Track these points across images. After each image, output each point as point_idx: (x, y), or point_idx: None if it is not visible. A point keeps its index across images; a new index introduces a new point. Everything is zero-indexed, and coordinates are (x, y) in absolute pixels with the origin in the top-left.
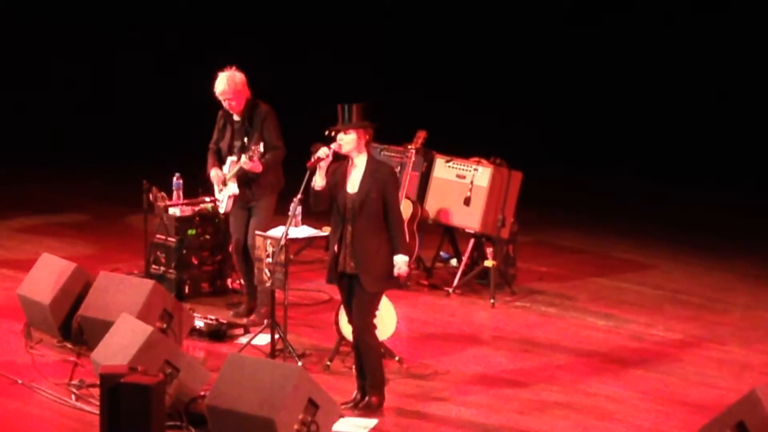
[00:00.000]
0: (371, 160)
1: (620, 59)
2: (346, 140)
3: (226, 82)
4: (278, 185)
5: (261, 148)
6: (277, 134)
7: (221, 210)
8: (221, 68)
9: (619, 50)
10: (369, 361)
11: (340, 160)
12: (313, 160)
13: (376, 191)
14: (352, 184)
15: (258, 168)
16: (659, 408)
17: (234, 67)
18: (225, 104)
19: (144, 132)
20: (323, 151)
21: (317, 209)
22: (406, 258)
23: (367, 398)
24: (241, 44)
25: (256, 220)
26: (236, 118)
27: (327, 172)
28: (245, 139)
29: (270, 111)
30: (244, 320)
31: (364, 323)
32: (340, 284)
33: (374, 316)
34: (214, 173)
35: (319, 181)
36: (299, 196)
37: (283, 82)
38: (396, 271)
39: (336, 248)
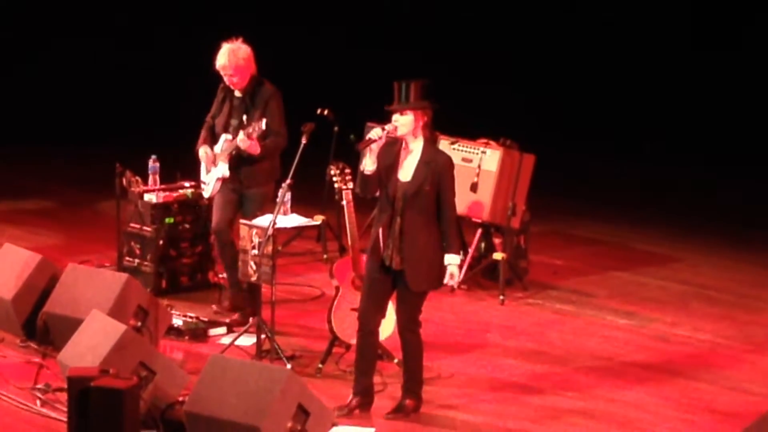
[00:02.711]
0: (428, 147)
1: (647, 34)
2: (402, 122)
3: (228, 56)
4: (274, 174)
5: (263, 125)
6: (280, 119)
7: (206, 194)
8: (225, 39)
9: (646, 26)
10: (411, 360)
11: (391, 141)
12: (364, 141)
13: (431, 183)
14: (405, 172)
15: (255, 149)
16: (685, 416)
17: (240, 39)
18: (225, 79)
19: (116, 108)
20: (376, 132)
21: (366, 195)
22: (458, 259)
23: (401, 400)
24: (227, 16)
25: (246, 211)
26: (237, 93)
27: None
28: (244, 118)
29: (276, 92)
30: (227, 319)
31: (410, 320)
32: (379, 276)
33: (420, 313)
34: (203, 152)
35: (369, 165)
36: (288, 181)
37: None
38: (447, 276)
39: (381, 237)
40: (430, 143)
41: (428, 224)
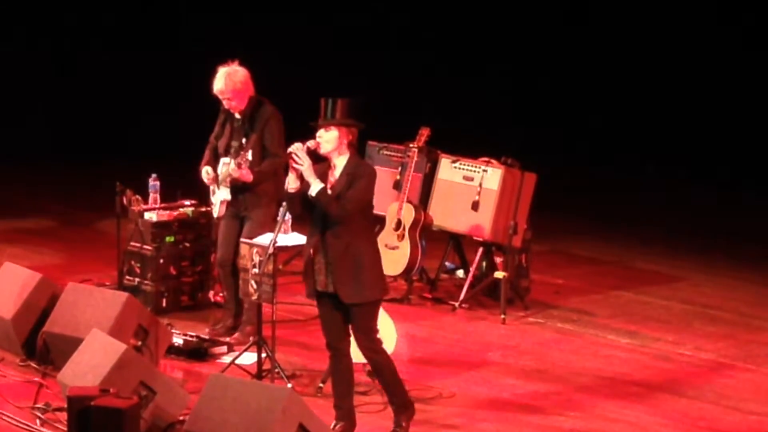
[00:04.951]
0: (352, 160)
1: (643, 49)
2: (326, 138)
3: (224, 80)
4: (276, 195)
5: (249, 156)
6: (278, 140)
7: (214, 214)
8: (222, 62)
9: (643, 41)
10: (385, 380)
11: (323, 162)
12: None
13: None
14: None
15: (248, 177)
16: None
17: (236, 62)
18: (224, 103)
19: (117, 127)
20: (296, 147)
21: (292, 213)
22: (314, 185)
23: (395, 419)
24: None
25: (246, 232)
26: (237, 116)
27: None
28: (243, 141)
29: (274, 113)
30: (228, 338)
31: (367, 340)
32: (319, 301)
33: (376, 331)
34: (204, 172)
35: (291, 182)
36: None
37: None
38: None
39: (311, 261)
40: (356, 157)
41: (354, 238)
